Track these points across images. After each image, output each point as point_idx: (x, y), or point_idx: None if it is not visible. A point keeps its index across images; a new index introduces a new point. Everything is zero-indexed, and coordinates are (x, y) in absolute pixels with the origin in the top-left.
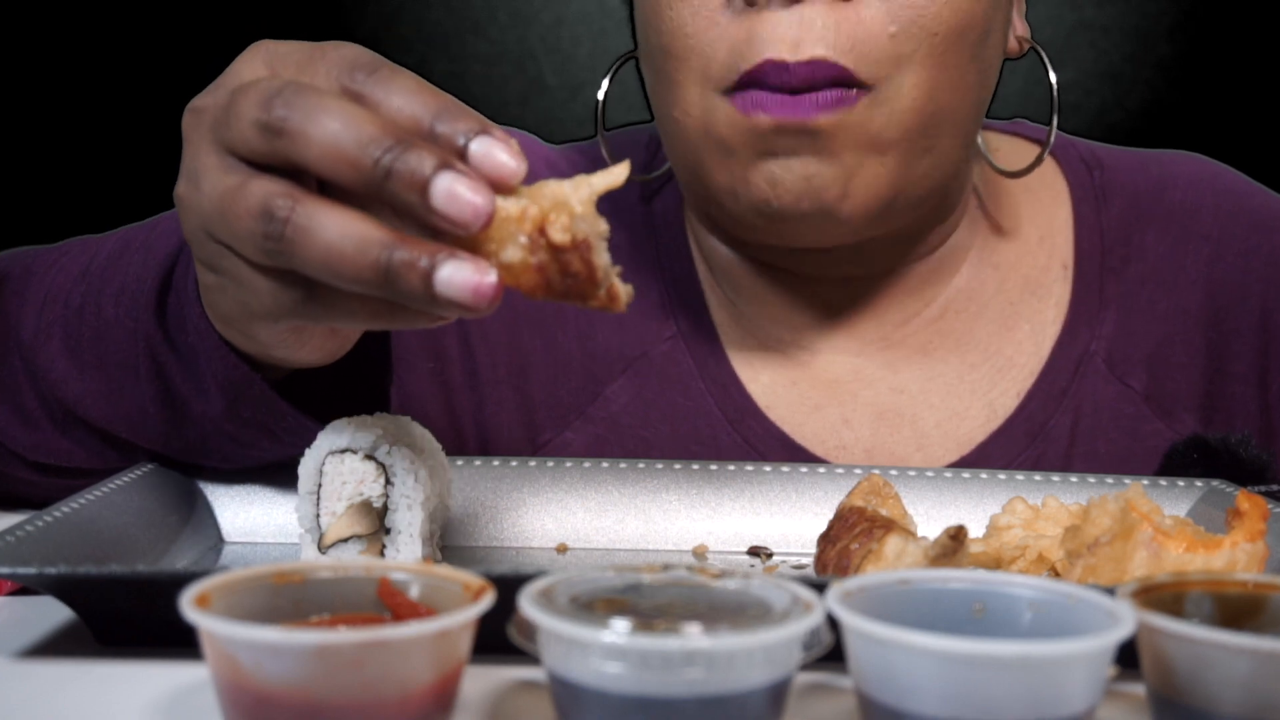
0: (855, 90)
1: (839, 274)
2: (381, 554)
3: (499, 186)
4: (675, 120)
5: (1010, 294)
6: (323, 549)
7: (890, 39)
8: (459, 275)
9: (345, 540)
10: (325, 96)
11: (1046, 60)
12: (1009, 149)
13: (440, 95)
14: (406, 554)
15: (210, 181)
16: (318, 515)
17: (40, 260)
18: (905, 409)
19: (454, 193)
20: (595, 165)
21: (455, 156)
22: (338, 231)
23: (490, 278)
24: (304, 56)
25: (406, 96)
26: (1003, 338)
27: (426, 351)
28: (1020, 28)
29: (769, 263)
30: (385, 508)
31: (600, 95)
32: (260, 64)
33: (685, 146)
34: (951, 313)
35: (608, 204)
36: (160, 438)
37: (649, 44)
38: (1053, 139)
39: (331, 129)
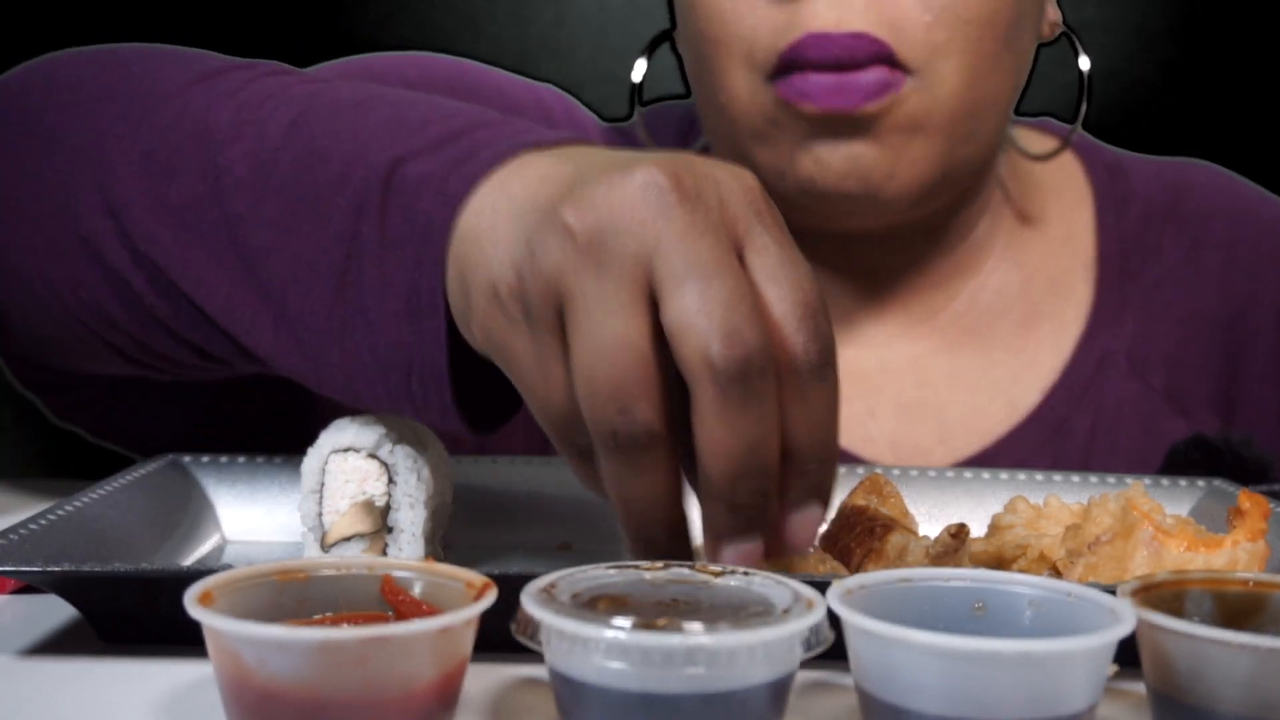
0: (900, 73)
1: (868, 266)
2: (384, 552)
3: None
4: (720, 105)
5: (1034, 294)
6: (325, 547)
7: (926, 26)
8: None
9: (348, 539)
10: (758, 391)
11: (1078, 44)
12: (1038, 143)
13: (833, 423)
14: (409, 552)
15: (605, 310)
16: (320, 514)
17: (243, 68)
18: (929, 402)
19: (742, 554)
20: (627, 148)
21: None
22: (652, 503)
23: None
24: (711, 230)
25: (815, 419)
26: (1025, 336)
27: None
28: (1052, 13)
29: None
30: (388, 506)
31: (638, 78)
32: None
33: (729, 130)
34: (977, 310)
35: None
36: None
37: (688, 27)
38: (1080, 121)
39: (733, 429)
